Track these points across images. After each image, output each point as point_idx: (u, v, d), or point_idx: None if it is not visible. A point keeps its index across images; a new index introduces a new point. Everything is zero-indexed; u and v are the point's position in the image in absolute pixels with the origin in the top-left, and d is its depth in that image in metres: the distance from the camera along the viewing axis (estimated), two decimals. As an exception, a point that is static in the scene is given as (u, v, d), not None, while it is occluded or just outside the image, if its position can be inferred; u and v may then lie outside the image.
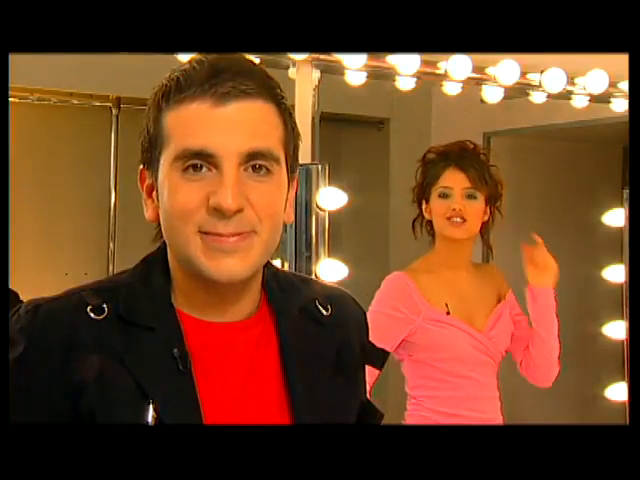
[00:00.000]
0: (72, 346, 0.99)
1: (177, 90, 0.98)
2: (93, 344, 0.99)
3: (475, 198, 2.19)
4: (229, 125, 0.97)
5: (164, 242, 1.07)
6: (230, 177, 0.97)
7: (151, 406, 0.97)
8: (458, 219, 2.17)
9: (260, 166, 0.99)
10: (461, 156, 2.19)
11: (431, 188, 2.21)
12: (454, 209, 2.16)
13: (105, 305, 1.02)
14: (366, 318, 1.20)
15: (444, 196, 2.19)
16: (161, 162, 1.00)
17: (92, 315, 1.01)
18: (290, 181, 1.05)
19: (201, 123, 0.97)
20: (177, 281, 1.05)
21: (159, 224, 1.05)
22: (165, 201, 1.00)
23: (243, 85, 0.97)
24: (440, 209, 2.19)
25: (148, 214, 1.06)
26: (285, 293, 1.10)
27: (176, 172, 0.98)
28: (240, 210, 0.97)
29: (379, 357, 1.19)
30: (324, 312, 1.12)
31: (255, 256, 1.00)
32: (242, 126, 0.98)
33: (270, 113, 1.01)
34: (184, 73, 0.99)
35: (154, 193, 1.04)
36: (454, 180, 2.18)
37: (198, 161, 0.97)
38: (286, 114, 1.03)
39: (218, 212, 0.97)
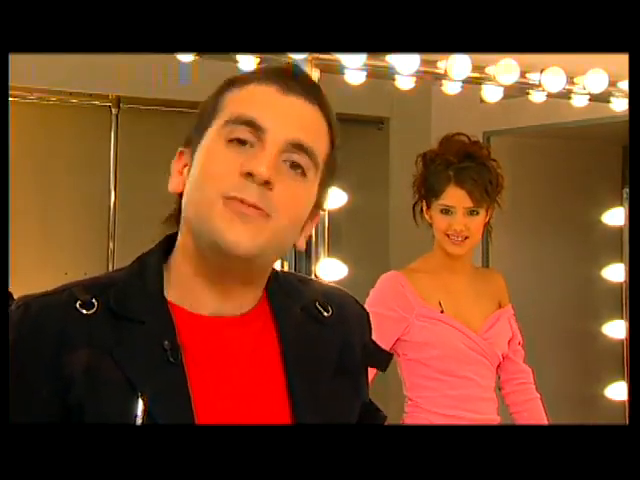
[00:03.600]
0: (63, 342, 0.98)
1: (243, 76, 1.06)
2: (83, 339, 0.99)
3: (477, 214, 2.17)
4: (287, 112, 1.02)
5: (159, 243, 1.08)
6: (272, 151, 1.00)
7: (140, 399, 0.96)
8: (459, 238, 2.16)
9: (298, 165, 1.01)
10: (462, 168, 2.15)
11: (432, 199, 2.19)
12: (456, 229, 2.15)
13: (94, 300, 1.01)
14: (369, 318, 1.19)
15: (446, 212, 2.17)
16: (208, 131, 1.03)
17: (82, 310, 1.00)
18: (314, 208, 1.07)
19: (262, 102, 1.02)
20: (175, 272, 1.05)
21: (178, 200, 1.06)
22: (199, 165, 1.02)
23: (307, 87, 1.04)
24: (441, 225, 2.17)
25: (172, 186, 1.07)
26: (285, 294, 1.10)
27: (220, 140, 1.01)
28: (269, 185, 0.99)
29: (382, 359, 1.18)
30: (325, 313, 1.12)
31: (264, 238, 1.00)
32: (298, 118, 1.02)
33: (323, 126, 1.05)
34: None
35: (185, 169, 1.06)
36: (456, 199, 2.15)
37: (246, 128, 1.00)
38: (336, 142, 1.07)
39: (249, 177, 0.98)
